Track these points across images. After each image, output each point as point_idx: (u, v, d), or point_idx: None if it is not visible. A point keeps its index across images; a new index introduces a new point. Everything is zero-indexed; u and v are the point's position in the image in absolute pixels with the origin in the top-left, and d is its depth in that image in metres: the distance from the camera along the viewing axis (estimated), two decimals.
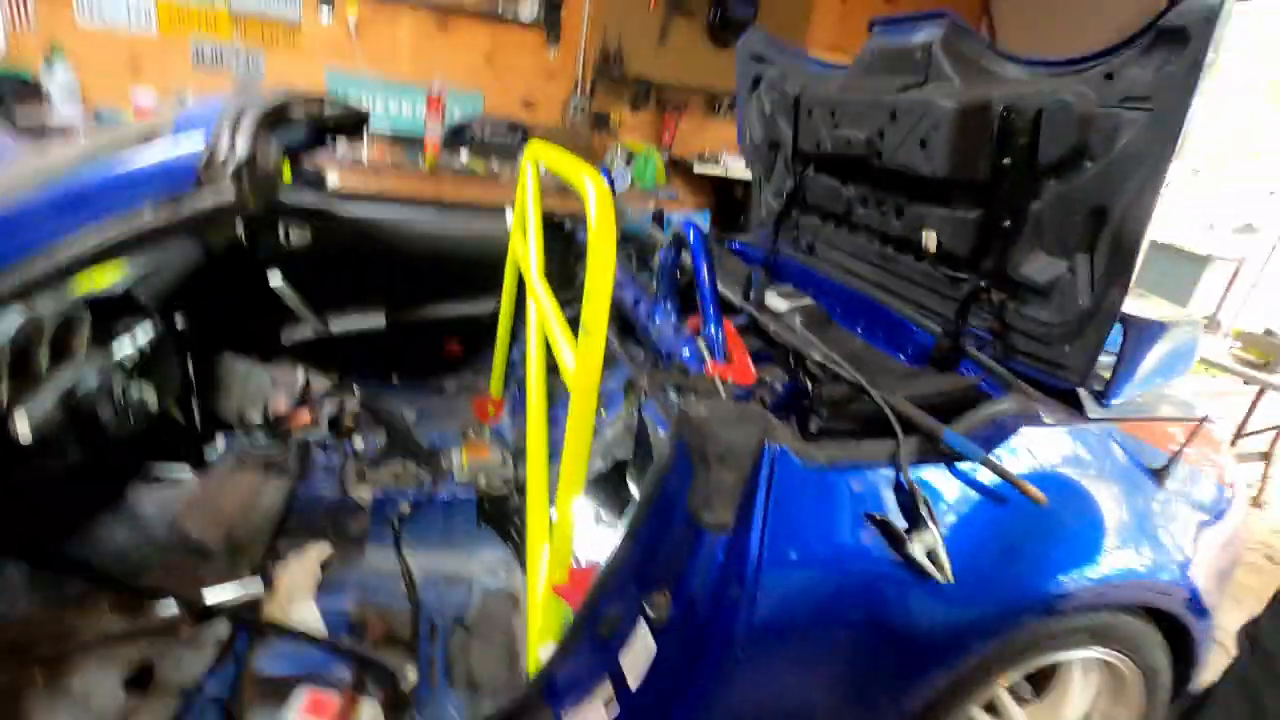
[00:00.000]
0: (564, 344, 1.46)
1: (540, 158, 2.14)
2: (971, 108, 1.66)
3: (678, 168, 4.73)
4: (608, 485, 1.86)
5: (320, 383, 2.62)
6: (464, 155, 3.95)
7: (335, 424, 2.36)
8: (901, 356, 2.01)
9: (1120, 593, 1.45)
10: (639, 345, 2.15)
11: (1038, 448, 1.42)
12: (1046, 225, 1.59)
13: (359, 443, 2.21)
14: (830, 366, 1.46)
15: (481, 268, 2.88)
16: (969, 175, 1.72)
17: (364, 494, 2.02)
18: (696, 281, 1.51)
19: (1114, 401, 1.56)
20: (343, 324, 2.78)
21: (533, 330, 2.00)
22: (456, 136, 4.31)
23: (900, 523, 1.26)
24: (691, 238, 1.54)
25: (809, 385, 1.43)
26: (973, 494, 1.35)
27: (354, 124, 2.18)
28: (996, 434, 1.42)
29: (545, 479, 1.82)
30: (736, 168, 4.69)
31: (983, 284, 1.73)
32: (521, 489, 2.15)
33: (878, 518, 1.25)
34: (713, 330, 1.44)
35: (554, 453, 1.99)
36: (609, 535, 1.72)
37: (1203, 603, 1.57)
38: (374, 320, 2.82)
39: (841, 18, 4.81)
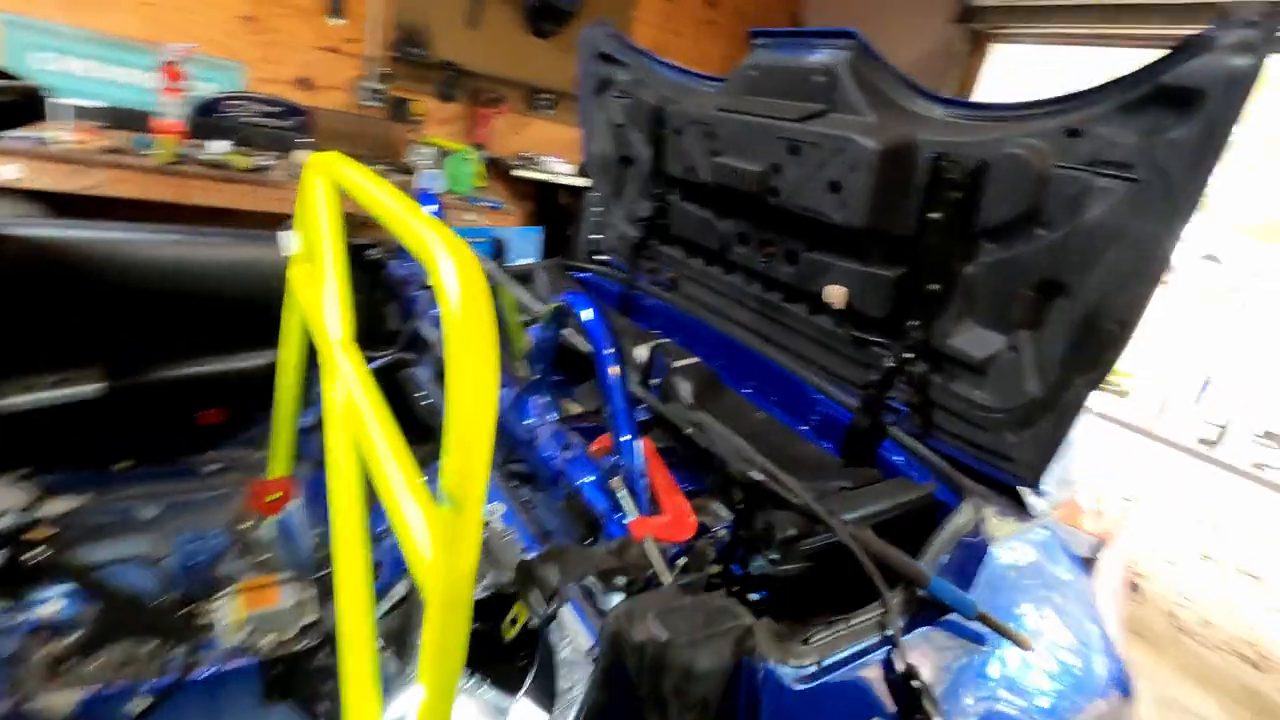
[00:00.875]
0: (405, 501, 0.94)
1: (337, 180, 1.53)
2: (897, 150, 1.41)
3: (494, 168, 4.17)
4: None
5: None
6: (218, 145, 3.03)
7: (8, 570, 1.54)
8: (803, 428, 1.74)
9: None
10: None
11: (1007, 572, 1.20)
12: (981, 293, 1.39)
13: (50, 606, 1.42)
14: (778, 490, 1.10)
15: (249, 307, 2.14)
16: (890, 227, 1.48)
17: (62, 702, 1.28)
18: (601, 386, 1.06)
19: (1045, 489, 1.41)
20: (26, 395, 1.89)
21: (338, 408, 1.41)
22: (204, 118, 3.34)
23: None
24: (588, 322, 1.08)
25: (754, 518, 1.07)
26: (957, 650, 1.08)
27: (19, 105, 1.40)
28: (969, 561, 1.18)
29: (368, 626, 1.27)
30: (561, 171, 4.25)
31: (907, 354, 1.49)
32: (333, 640, 1.55)
33: None
34: (634, 463, 1.01)
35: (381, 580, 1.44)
36: None
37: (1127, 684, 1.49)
38: (82, 386, 1.96)
39: (668, 16, 4.53)
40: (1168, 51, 1.02)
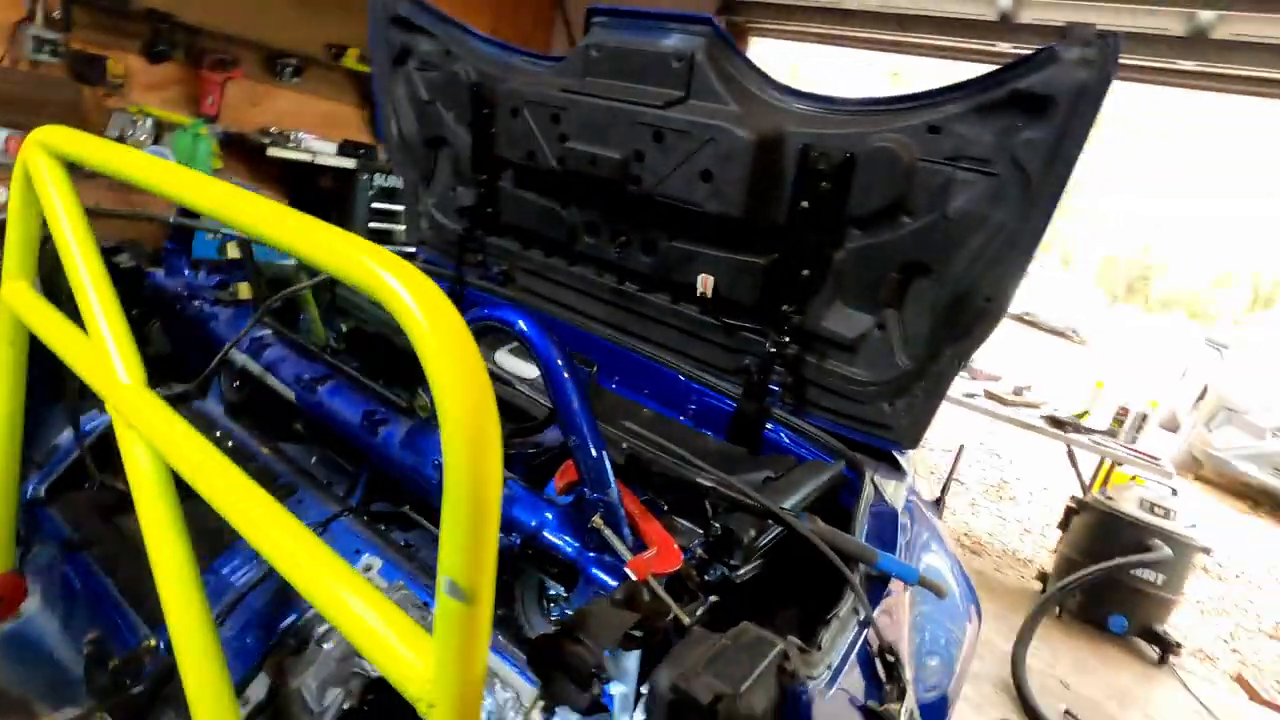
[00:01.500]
0: (352, 598, 0.72)
1: (64, 166, 1.13)
2: (769, 141, 1.43)
3: (234, 147, 3.44)
4: None
5: None
6: None
7: None
8: (681, 419, 1.74)
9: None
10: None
11: (912, 531, 1.32)
12: (850, 277, 1.49)
13: None
14: (726, 492, 1.07)
15: None
16: (762, 217, 1.51)
17: None
18: (560, 409, 0.91)
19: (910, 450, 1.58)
20: None
21: (148, 476, 1.05)
22: None
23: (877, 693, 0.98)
24: (531, 335, 0.91)
25: (717, 529, 1.02)
26: (901, 614, 1.16)
27: None
28: (884, 528, 1.27)
29: None
30: (322, 150, 3.67)
31: (784, 338, 1.55)
32: None
33: (877, 709, 0.95)
34: (615, 495, 0.89)
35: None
36: None
37: None
38: None
39: None
40: (1016, 60, 1.16)
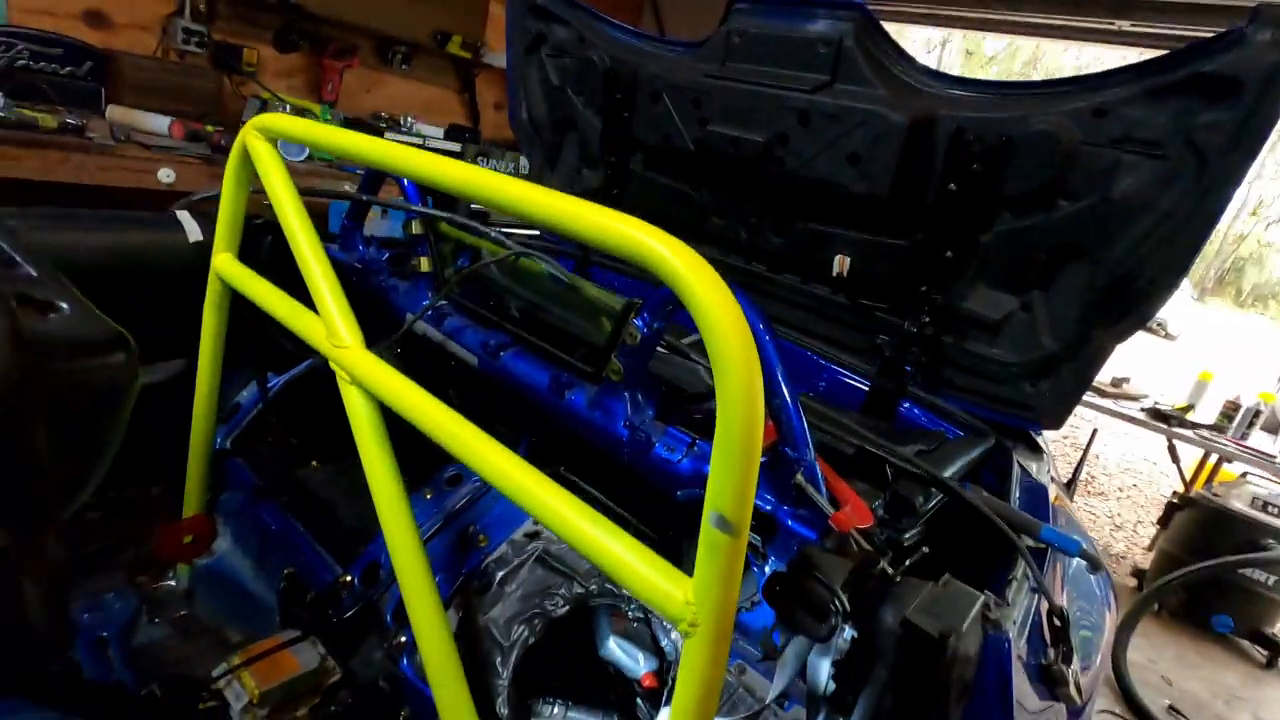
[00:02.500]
0: (605, 537, 0.81)
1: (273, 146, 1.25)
2: (922, 123, 1.47)
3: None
4: None
5: None
6: None
7: None
8: (811, 395, 1.80)
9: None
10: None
11: (1061, 506, 1.36)
12: (996, 259, 1.51)
13: None
14: (899, 462, 1.13)
15: (137, 309, 1.69)
16: (909, 199, 1.54)
17: None
18: (766, 376, 0.99)
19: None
20: None
21: (363, 418, 1.18)
22: None
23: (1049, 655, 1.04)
24: (750, 317, 0.99)
25: (892, 496, 1.09)
26: (1059, 586, 1.20)
27: None
28: (1036, 503, 1.30)
29: (449, 647, 1.12)
30: (432, 135, 3.84)
31: (923, 318, 1.59)
32: (368, 692, 1.31)
33: (1050, 667, 1.00)
34: (810, 455, 0.97)
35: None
36: None
37: None
38: None
39: None
40: (1197, 42, 1.17)
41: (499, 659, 1.24)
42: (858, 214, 1.64)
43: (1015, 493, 1.28)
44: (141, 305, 1.69)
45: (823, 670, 0.95)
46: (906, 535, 1.08)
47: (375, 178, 1.75)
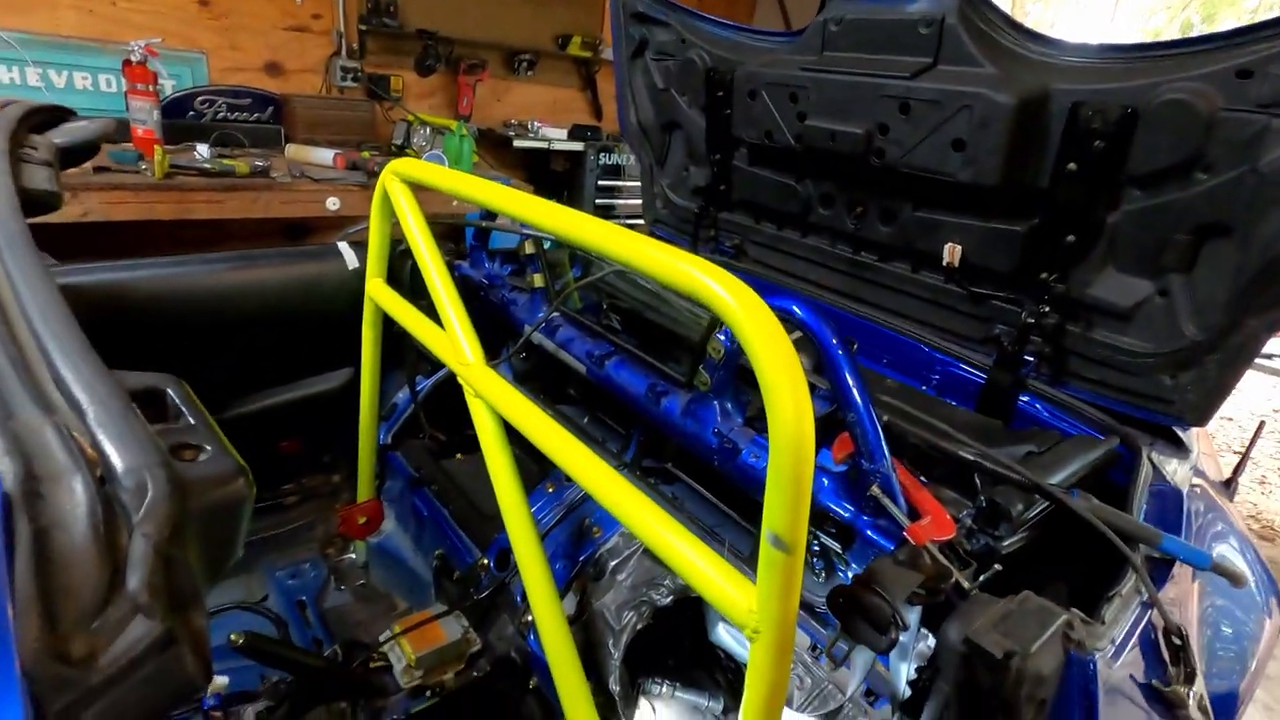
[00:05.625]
0: (684, 547, 0.90)
1: (410, 186, 1.41)
2: (1032, 102, 1.37)
3: (485, 141, 3.95)
4: None
5: None
6: (203, 150, 2.77)
7: None
8: (923, 388, 1.75)
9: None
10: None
11: (1201, 515, 1.25)
12: (1125, 241, 1.39)
13: (216, 680, 1.34)
14: (991, 467, 1.11)
15: (318, 328, 2.01)
16: (1020, 182, 1.45)
17: None
18: (836, 383, 1.03)
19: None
20: None
21: (487, 428, 1.34)
22: (174, 119, 3.06)
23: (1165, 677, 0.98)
24: (805, 315, 1.03)
25: (983, 503, 1.07)
26: (1188, 601, 1.12)
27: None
28: (1166, 510, 1.21)
29: (564, 631, 1.26)
30: (556, 137, 4.07)
31: (1043, 307, 1.49)
32: (502, 665, 1.51)
33: (1163, 690, 0.95)
34: (888, 465, 0.99)
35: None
36: None
37: None
38: None
39: None
40: None
41: (611, 641, 1.37)
42: (966, 201, 1.57)
43: (1141, 497, 1.20)
44: (314, 325, 2.01)
45: (900, 674, 0.98)
46: (1004, 545, 1.07)
47: None
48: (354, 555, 2.16)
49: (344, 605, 1.98)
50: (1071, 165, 1.38)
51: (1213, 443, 1.60)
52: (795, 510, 0.76)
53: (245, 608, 1.86)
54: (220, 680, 1.33)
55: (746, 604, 0.82)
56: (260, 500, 2.11)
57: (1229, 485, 1.52)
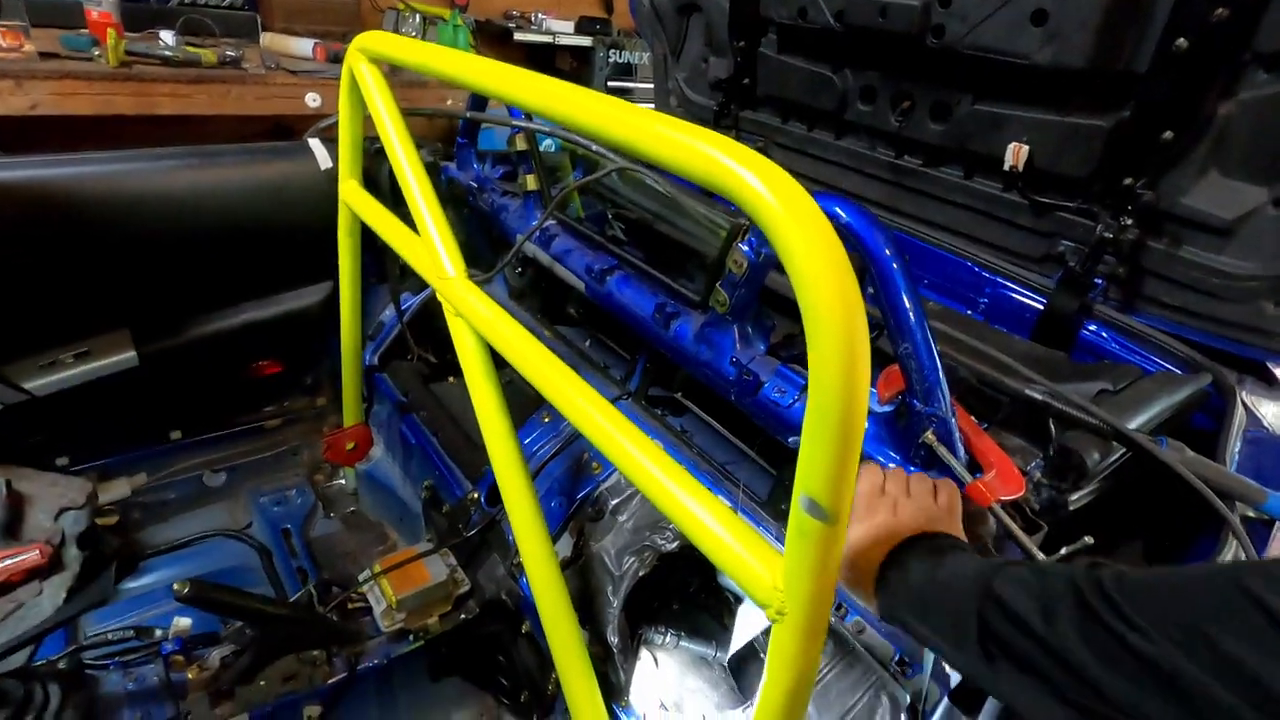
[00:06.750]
0: (701, 510, 0.73)
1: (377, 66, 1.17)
2: None
3: (484, 34, 3.59)
4: None
5: (41, 487, 1.51)
6: (168, 37, 2.49)
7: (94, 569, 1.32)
8: (971, 314, 1.55)
9: None
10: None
11: None
12: (1238, 138, 1.14)
13: (179, 623, 1.21)
14: (1064, 409, 0.92)
15: (289, 237, 1.81)
16: (1113, 65, 1.20)
17: None
18: (889, 311, 0.83)
19: None
20: (49, 377, 1.60)
21: (468, 347, 1.17)
22: (137, 3, 2.75)
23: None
24: (858, 225, 0.82)
25: (1056, 451, 0.89)
26: None
27: None
28: (1264, 459, 1.03)
29: (556, 578, 1.13)
30: (562, 31, 3.69)
31: (1124, 219, 1.27)
32: (492, 607, 1.39)
33: None
34: (949, 411, 0.81)
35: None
36: None
37: None
38: (109, 357, 1.67)
39: None
40: None
41: (610, 588, 1.24)
42: (1042, 89, 1.31)
43: (1234, 445, 1.02)
44: (285, 233, 1.81)
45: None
46: (1073, 499, 0.90)
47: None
48: (343, 481, 2.05)
49: (332, 534, 1.87)
50: (1181, 41, 1.12)
51: None
52: (841, 470, 0.59)
53: (228, 535, 1.75)
54: (183, 622, 1.22)
55: (771, 580, 0.66)
56: (239, 423, 1.99)
57: None
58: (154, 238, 1.59)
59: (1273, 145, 1.11)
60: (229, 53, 2.55)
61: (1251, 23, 1.05)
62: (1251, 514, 0.91)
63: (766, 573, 0.66)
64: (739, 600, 1.33)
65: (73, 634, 1.31)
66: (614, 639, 1.20)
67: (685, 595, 1.39)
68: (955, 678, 0.80)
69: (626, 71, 3.84)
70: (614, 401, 1.42)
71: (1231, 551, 0.83)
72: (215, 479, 1.93)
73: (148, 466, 1.81)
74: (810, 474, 0.60)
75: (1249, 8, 1.04)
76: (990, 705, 0.69)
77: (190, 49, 2.51)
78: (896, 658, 0.98)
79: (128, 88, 2.24)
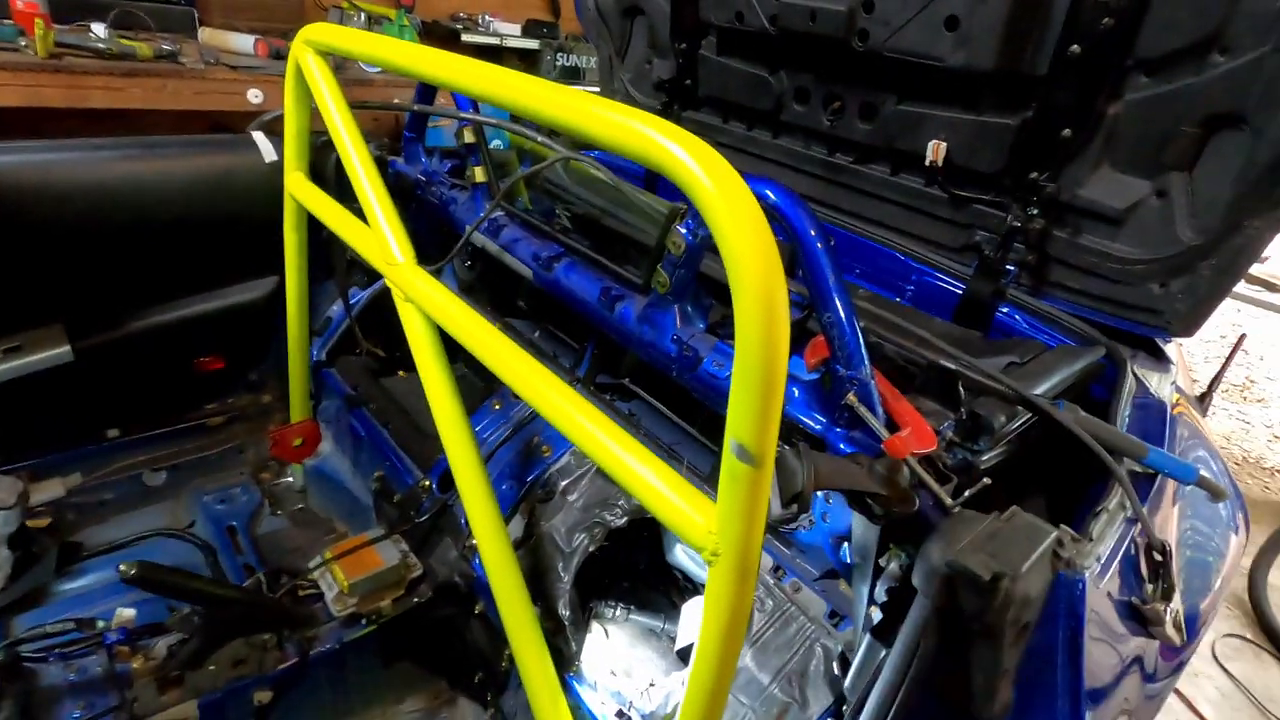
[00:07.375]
0: (633, 460, 0.78)
1: (326, 57, 1.20)
2: None
3: (431, 35, 3.59)
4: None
5: None
6: (99, 30, 2.41)
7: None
8: (897, 300, 1.65)
9: None
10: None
11: (1181, 428, 1.18)
12: (1125, 136, 1.27)
13: (122, 614, 1.19)
14: (975, 378, 1.01)
15: (232, 230, 1.79)
16: (1017, 68, 1.31)
17: (181, 715, 1.10)
18: (814, 283, 0.90)
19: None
20: None
21: (419, 335, 1.19)
22: None
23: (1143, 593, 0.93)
24: (783, 206, 0.89)
25: (965, 414, 0.98)
26: (1170, 513, 1.07)
27: None
28: (1150, 422, 1.14)
29: (509, 557, 1.16)
30: (508, 33, 3.71)
31: (1030, 210, 1.38)
32: (444, 590, 1.41)
33: (1142, 607, 0.90)
34: (868, 373, 0.88)
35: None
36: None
37: None
38: (42, 351, 1.62)
39: None
40: None
41: (560, 564, 1.28)
42: (956, 90, 1.42)
43: (1124, 410, 1.13)
44: (227, 226, 1.79)
45: (863, 596, 0.90)
46: (984, 459, 0.98)
47: (430, 87, 1.70)
48: (291, 479, 2.02)
49: (279, 531, 1.85)
50: (1074, 48, 1.24)
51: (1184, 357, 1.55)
52: (764, 415, 0.65)
53: (169, 534, 1.72)
54: (126, 613, 1.20)
55: (705, 524, 0.72)
56: (180, 421, 1.95)
57: (1202, 400, 1.48)
58: (90, 229, 1.56)
59: (1153, 142, 1.23)
60: (165, 46, 2.49)
61: (1133, 31, 1.18)
62: (1138, 469, 1.02)
63: (702, 519, 0.72)
64: (688, 580, 1.39)
65: (5, 629, 1.27)
66: (565, 612, 1.24)
67: (635, 574, 1.44)
68: (876, 617, 0.87)
69: (574, 75, 3.89)
70: None
71: (1116, 498, 0.93)
72: (155, 478, 1.89)
73: (83, 466, 1.76)
74: (738, 422, 0.66)
75: (1130, 18, 1.17)
76: (903, 635, 0.76)
77: (124, 42, 2.45)
78: (828, 611, 1.05)
79: (57, 79, 2.17)
